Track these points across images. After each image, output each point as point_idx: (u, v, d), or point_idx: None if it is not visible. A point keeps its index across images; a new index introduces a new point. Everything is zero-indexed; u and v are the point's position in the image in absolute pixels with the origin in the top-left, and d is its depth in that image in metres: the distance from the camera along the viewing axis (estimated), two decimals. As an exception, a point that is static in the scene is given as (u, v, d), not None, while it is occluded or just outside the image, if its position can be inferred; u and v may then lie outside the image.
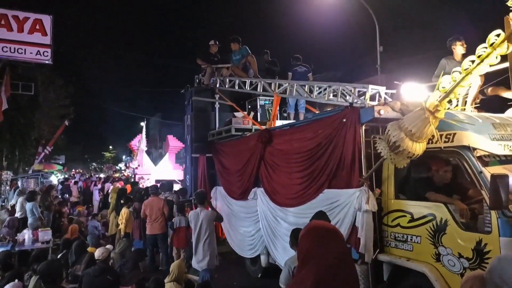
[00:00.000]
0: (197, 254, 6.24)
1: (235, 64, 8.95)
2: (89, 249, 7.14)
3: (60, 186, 21.37)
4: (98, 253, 5.67)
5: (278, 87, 7.29)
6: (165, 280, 5.24)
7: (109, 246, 6.99)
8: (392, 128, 4.24)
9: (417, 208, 4.45)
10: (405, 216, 4.58)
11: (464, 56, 5.95)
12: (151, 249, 8.31)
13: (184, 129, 10.27)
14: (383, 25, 17.43)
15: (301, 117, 8.78)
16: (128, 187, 14.08)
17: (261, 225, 7.19)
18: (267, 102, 9.19)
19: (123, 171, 41.79)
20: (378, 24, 16.99)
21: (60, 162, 34.69)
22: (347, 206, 5.05)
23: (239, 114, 8.62)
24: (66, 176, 33.11)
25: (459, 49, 6.00)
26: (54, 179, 24.91)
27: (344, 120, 5.19)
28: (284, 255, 6.38)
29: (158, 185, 10.15)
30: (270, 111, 9.14)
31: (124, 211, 9.38)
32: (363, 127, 4.98)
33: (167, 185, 10.30)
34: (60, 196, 17.70)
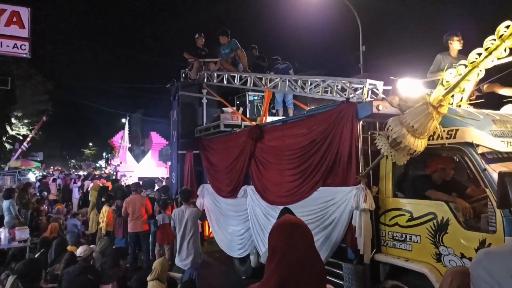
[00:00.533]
0: (181, 252, 6.20)
1: (224, 58, 8.67)
2: (69, 247, 6.95)
3: (38, 184, 20.73)
4: (80, 250, 5.57)
5: (270, 82, 7.06)
6: (148, 278, 5.13)
7: (92, 246, 6.69)
8: (393, 124, 4.09)
9: (417, 206, 4.32)
10: (403, 215, 4.45)
11: (461, 52, 5.89)
12: (133, 247, 8.16)
13: (169, 125, 9.96)
14: (366, 24, 17.49)
15: (290, 113, 8.61)
16: (108, 185, 13.71)
17: (250, 224, 6.98)
18: (256, 97, 8.98)
19: (103, 169, 41.03)
20: (361, 24, 17.04)
21: (38, 159, 33.84)
22: (343, 205, 4.88)
23: (228, 110, 8.37)
24: (44, 173, 32.27)
25: (455, 44, 5.90)
26: (32, 176, 24.16)
27: (341, 115, 5.03)
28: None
29: (140, 182, 9.93)
30: (259, 107, 8.95)
31: (106, 209, 9.15)
32: (361, 123, 4.82)
33: (149, 182, 10.17)
34: (38, 194, 17.20)
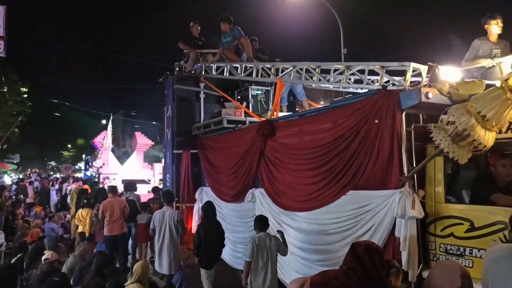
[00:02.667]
0: (161, 256, 6.11)
1: (226, 47, 7.84)
2: (46, 252, 6.49)
3: (15, 187, 19.54)
4: (47, 254, 5.58)
5: (281, 72, 6.27)
6: (129, 281, 4.92)
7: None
8: (457, 113, 3.35)
9: (480, 214, 3.59)
10: (461, 224, 3.71)
11: (501, 36, 5.24)
12: (110, 250, 7.76)
13: (163, 122, 9.07)
14: (347, 27, 16.95)
15: (306, 106, 7.85)
16: (86, 187, 12.99)
17: (259, 232, 6.16)
18: (259, 92, 8.20)
19: (82, 171, 39.59)
20: (342, 27, 16.49)
21: (14, 161, 32.23)
22: (383, 211, 4.12)
23: (231, 105, 7.56)
24: (21, 176, 30.75)
25: (494, 28, 5.23)
26: (8, 179, 22.82)
27: (377, 106, 4.28)
28: (291, 266, 5.41)
29: (117, 185, 9.60)
30: (263, 102, 8.18)
31: (86, 211, 8.72)
32: (404, 114, 4.08)
33: (129, 185, 9.76)
34: (14, 197, 16.16)
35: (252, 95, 8.05)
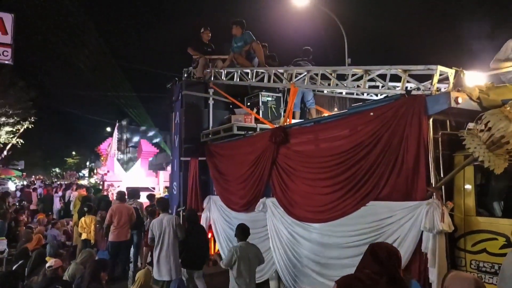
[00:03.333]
0: (160, 263, 6.03)
1: (238, 52, 7.63)
2: (47, 259, 6.54)
3: (19, 193, 19.39)
4: (51, 261, 5.50)
5: (295, 77, 6.05)
6: None
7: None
8: (494, 119, 3.11)
9: (518, 228, 3.31)
10: (495, 239, 3.44)
11: None
12: (114, 257, 7.78)
13: (171, 128, 8.84)
14: (351, 37, 16.78)
15: (313, 113, 7.61)
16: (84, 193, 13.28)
17: (271, 244, 5.90)
18: (270, 98, 7.98)
19: (86, 178, 39.47)
20: (347, 36, 16.32)
21: (19, 168, 32.17)
22: (407, 224, 3.85)
23: (241, 111, 7.33)
24: (25, 182, 30.65)
25: None
26: (12, 185, 22.65)
27: (401, 111, 4.04)
28: (305, 281, 5.13)
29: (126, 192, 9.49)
30: (273, 108, 7.95)
31: (90, 218, 8.64)
32: (431, 120, 3.84)
33: (133, 192, 9.77)
34: (17, 204, 15.95)
35: (262, 101, 7.83)
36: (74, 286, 5.54)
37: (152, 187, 15.17)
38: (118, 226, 7.72)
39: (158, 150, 18.94)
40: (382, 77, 4.98)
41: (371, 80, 5.01)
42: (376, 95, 6.61)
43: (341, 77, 5.63)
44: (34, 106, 27.96)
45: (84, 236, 8.53)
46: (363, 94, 6.56)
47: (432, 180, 3.76)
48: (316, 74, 5.72)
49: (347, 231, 4.58)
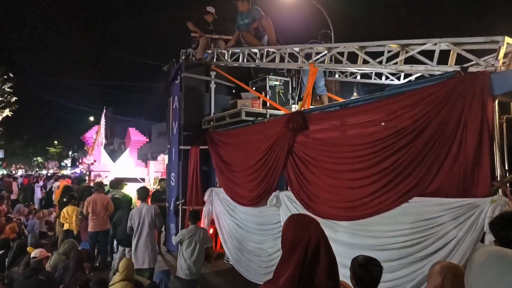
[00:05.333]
0: (137, 251, 6.08)
1: (246, 30, 6.90)
2: (29, 249, 6.60)
3: (-1, 183, 18.56)
4: (36, 251, 5.49)
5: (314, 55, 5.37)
6: (115, 279, 4.84)
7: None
8: None
9: None
10: None
11: None
12: (92, 247, 7.86)
13: (168, 114, 8.11)
14: (337, 28, 16.20)
15: (325, 101, 6.97)
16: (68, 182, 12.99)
17: (285, 243, 5.28)
18: (278, 83, 7.33)
19: (69, 168, 38.35)
20: (334, 28, 15.73)
21: (-1, 157, 30.90)
22: (465, 225, 3.26)
23: (248, 95, 6.66)
24: (6, 172, 29.47)
25: None
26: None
27: (456, 92, 3.43)
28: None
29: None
30: (281, 94, 7.30)
31: (73, 209, 8.38)
32: (496, 102, 3.24)
33: (116, 182, 9.53)
34: (-4, 193, 15.23)
35: (270, 86, 7.16)
36: (57, 277, 5.54)
37: (141, 178, 14.38)
38: (94, 216, 7.74)
39: (147, 139, 18.03)
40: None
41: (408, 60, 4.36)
42: (398, 79, 6.04)
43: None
44: (14, 93, 26.75)
45: (66, 227, 8.36)
46: (387, 78, 5.93)
47: (497, 173, 3.18)
48: (340, 53, 5.05)
49: (383, 231, 3.98)
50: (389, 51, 4.49)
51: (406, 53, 4.32)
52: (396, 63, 4.35)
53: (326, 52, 5.32)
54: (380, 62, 4.47)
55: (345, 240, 4.36)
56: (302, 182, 5.06)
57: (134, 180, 14.31)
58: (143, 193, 6.63)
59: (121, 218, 6.77)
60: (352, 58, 4.99)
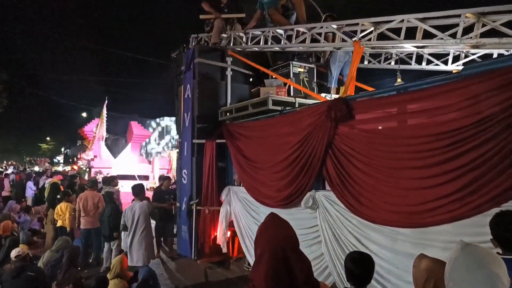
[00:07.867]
0: (132, 249, 6.02)
1: (272, 7, 6.11)
2: (21, 246, 6.40)
3: (-10, 180, 17.76)
4: (17, 249, 5.43)
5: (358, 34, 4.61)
6: (108, 276, 4.93)
7: None
8: None
9: None
10: None
11: None
12: (84, 244, 7.84)
13: (179, 104, 7.32)
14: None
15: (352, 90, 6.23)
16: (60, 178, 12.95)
17: (324, 249, 4.58)
18: (302, 70, 6.56)
19: (61, 165, 37.58)
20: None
21: (-11, 154, 29.99)
22: None
23: (272, 82, 5.89)
24: (-3, 168, 28.64)
25: None
26: (-19, 171, 20.68)
27: None
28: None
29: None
30: (306, 81, 6.54)
31: (66, 206, 8.34)
32: None
33: (108, 179, 9.74)
34: (-13, 190, 14.56)
35: (294, 73, 6.40)
36: (48, 271, 5.53)
37: (145, 176, 13.50)
38: (85, 213, 7.75)
39: (150, 134, 17.13)
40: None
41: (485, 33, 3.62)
42: (445, 63, 5.31)
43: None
44: (5, 89, 25.94)
45: (59, 224, 8.34)
46: (429, 62, 5.21)
47: None
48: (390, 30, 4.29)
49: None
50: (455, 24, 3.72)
51: (483, 26, 3.57)
52: (472, 38, 3.58)
53: (372, 28, 4.56)
54: (453, 36, 3.69)
55: (409, 251, 3.62)
56: (346, 181, 4.32)
57: (131, 177, 13.56)
58: (136, 189, 6.50)
59: (103, 214, 7.12)
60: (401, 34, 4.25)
